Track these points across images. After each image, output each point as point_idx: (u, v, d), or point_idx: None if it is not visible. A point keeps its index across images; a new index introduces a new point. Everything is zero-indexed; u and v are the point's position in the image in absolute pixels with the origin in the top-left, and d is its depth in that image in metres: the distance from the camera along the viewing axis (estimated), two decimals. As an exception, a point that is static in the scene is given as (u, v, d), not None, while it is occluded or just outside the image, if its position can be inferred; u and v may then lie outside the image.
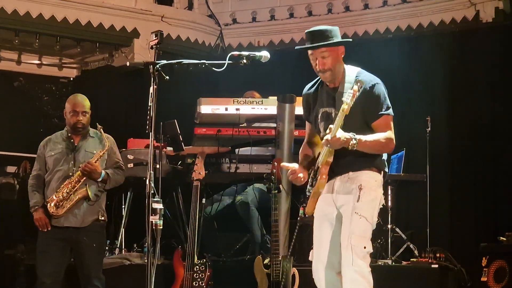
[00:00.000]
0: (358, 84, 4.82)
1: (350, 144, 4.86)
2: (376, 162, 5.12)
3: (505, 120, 8.51)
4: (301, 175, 5.17)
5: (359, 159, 5.03)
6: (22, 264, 8.28)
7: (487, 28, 8.89)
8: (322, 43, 5.05)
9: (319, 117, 5.21)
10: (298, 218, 5.35)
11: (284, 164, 5.42)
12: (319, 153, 5.19)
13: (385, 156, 5.26)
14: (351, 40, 5.18)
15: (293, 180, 5.25)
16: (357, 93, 4.78)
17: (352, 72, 5.13)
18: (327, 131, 4.89)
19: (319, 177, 5.07)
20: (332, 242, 5.14)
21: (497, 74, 8.64)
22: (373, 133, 5.02)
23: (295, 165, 5.22)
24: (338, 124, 4.83)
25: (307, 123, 5.44)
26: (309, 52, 5.12)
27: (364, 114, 5.00)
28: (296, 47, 5.23)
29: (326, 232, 5.18)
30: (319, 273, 5.18)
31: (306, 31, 5.14)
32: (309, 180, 5.24)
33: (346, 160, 5.03)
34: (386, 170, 5.22)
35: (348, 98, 4.78)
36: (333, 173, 5.08)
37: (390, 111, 5.07)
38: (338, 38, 5.10)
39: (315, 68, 5.11)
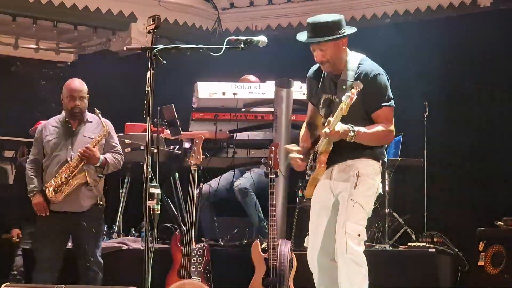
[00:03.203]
0: (357, 88, 4.81)
1: (348, 136, 4.87)
2: (375, 151, 5.13)
3: (503, 105, 8.52)
4: (300, 162, 5.20)
5: (358, 147, 5.05)
6: (19, 249, 8.29)
7: (484, 13, 8.87)
8: (318, 40, 5.05)
9: (321, 102, 5.23)
10: (297, 201, 5.35)
11: (287, 146, 5.41)
12: (319, 136, 5.20)
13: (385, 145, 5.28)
14: (351, 32, 5.14)
15: (294, 166, 5.27)
16: (355, 97, 4.78)
17: (355, 59, 5.13)
18: (326, 123, 4.91)
19: (318, 165, 5.08)
20: (328, 229, 5.16)
21: (495, 58, 8.63)
22: (373, 124, 5.03)
23: (296, 148, 5.24)
24: (337, 118, 4.84)
25: (309, 103, 5.45)
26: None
27: (365, 105, 5.00)
28: (297, 37, 5.21)
29: (322, 219, 5.19)
30: (314, 260, 5.21)
31: (308, 20, 5.13)
32: (308, 163, 5.25)
33: (345, 148, 5.04)
34: (385, 159, 5.23)
35: (346, 99, 4.78)
36: (331, 161, 5.09)
37: (391, 102, 5.08)
38: (341, 30, 5.07)
39: (315, 58, 5.14)
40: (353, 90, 4.80)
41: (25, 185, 6.74)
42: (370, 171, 5.09)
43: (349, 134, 4.87)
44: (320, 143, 5.09)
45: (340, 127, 4.85)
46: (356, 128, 4.90)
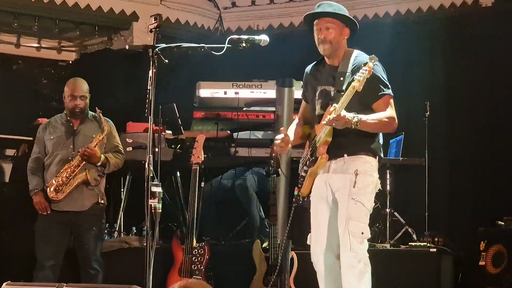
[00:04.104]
0: (372, 61, 4.84)
1: (352, 123, 4.86)
2: (372, 146, 5.14)
3: (504, 105, 8.51)
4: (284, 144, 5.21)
5: (355, 141, 5.05)
6: (18, 247, 8.28)
7: (486, 12, 8.86)
8: (331, 11, 5.12)
9: (317, 94, 5.23)
10: (294, 200, 5.34)
11: (283, 129, 5.36)
12: (310, 134, 5.21)
13: (381, 141, 5.27)
14: (356, 24, 5.20)
15: (278, 150, 5.28)
16: (372, 70, 4.80)
17: (351, 53, 5.17)
18: (331, 109, 4.90)
19: (319, 157, 5.07)
20: (330, 225, 5.16)
21: (496, 58, 8.63)
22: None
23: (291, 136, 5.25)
24: (345, 101, 4.85)
25: (303, 102, 5.46)
26: (315, 21, 5.15)
27: (363, 95, 4.99)
28: (307, 13, 5.23)
29: (323, 214, 5.19)
30: (318, 256, 5.20)
31: (318, 3, 5.16)
32: (303, 159, 5.25)
33: (342, 142, 5.05)
34: (382, 155, 5.24)
35: (360, 76, 4.78)
36: (328, 155, 5.09)
37: (390, 91, 5.10)
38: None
39: (317, 38, 5.14)
40: (370, 64, 4.82)
41: (26, 184, 6.75)
42: (368, 168, 5.10)
43: (353, 121, 4.86)
44: (321, 134, 5.07)
45: (345, 113, 4.85)
46: (359, 116, 4.90)
